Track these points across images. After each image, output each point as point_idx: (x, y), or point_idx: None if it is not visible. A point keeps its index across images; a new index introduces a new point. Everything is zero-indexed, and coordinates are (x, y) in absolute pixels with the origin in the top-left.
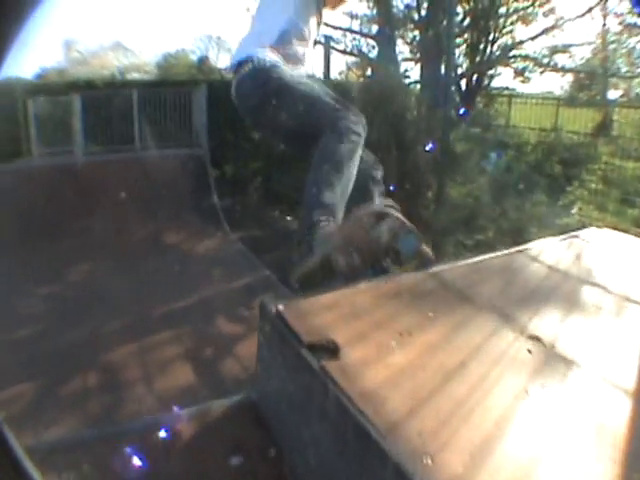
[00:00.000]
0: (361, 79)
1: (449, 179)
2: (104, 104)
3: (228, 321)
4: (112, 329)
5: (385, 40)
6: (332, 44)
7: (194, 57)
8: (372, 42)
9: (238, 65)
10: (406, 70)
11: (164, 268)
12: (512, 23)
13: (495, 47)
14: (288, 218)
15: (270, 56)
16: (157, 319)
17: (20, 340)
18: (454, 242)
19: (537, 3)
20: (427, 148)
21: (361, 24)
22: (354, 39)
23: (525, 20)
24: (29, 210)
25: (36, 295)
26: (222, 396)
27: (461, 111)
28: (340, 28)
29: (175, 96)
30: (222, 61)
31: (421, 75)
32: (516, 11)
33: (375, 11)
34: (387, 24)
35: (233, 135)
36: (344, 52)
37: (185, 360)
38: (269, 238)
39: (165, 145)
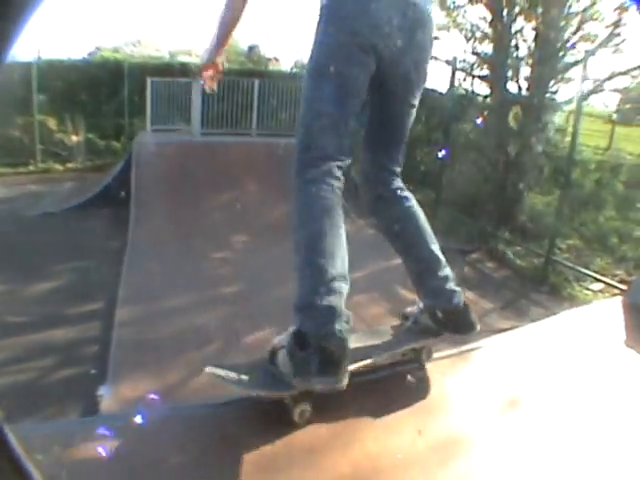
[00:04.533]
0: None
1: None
2: (226, 89)
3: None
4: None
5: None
6: (456, 63)
7: (245, 46)
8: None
9: None
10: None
11: None
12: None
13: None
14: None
15: None
16: None
17: (228, 296)
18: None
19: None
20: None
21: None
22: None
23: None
24: (164, 181)
25: (214, 259)
26: None
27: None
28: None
29: (291, 87)
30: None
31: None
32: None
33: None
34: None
35: None
36: (466, 71)
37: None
38: None
39: (279, 133)
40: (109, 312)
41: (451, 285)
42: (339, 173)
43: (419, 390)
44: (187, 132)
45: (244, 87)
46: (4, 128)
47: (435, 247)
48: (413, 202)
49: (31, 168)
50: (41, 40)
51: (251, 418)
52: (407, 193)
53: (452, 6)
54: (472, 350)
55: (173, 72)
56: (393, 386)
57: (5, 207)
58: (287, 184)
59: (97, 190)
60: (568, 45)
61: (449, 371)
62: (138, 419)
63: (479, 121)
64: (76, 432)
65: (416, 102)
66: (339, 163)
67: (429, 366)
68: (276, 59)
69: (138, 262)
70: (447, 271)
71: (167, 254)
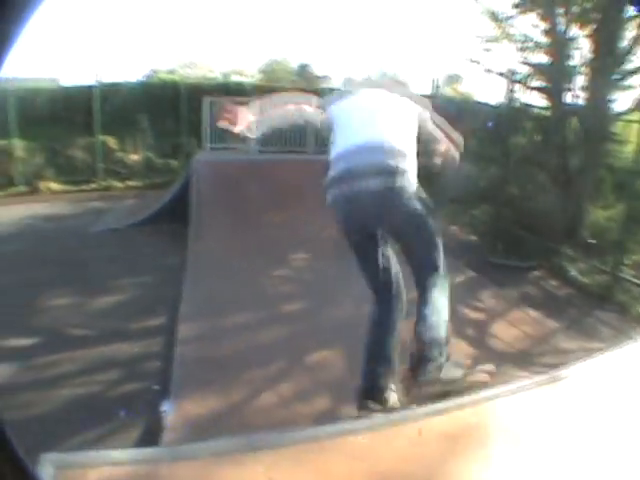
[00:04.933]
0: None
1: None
2: None
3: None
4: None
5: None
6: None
7: (295, 65)
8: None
9: None
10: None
11: None
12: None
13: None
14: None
15: None
16: None
17: (290, 314)
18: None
19: None
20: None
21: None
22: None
23: None
24: (222, 199)
25: (273, 276)
26: None
27: None
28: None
29: None
30: (322, 70)
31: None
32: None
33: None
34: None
35: None
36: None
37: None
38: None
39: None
40: (171, 328)
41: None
42: None
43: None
44: (244, 150)
45: None
46: (68, 148)
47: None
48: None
49: (93, 186)
50: (100, 64)
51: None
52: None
53: (502, 17)
54: (557, 379)
55: (228, 91)
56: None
57: (70, 223)
58: None
59: (157, 207)
60: (628, 51)
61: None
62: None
63: (536, 134)
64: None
65: (411, 219)
66: None
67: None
68: (327, 77)
69: (198, 279)
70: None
71: (227, 271)
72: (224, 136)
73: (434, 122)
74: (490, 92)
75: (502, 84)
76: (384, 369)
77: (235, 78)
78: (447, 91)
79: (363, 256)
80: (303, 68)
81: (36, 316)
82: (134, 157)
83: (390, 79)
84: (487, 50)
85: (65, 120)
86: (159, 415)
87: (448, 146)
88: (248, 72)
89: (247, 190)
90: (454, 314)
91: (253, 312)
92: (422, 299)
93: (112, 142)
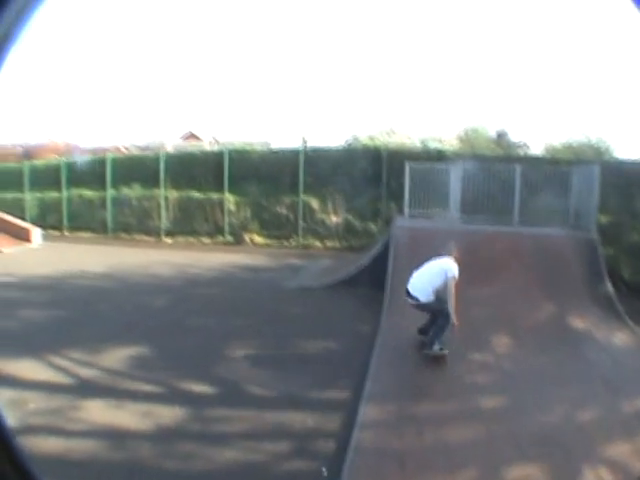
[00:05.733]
0: None
1: None
2: (483, 174)
3: None
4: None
5: None
6: None
7: (492, 131)
8: None
9: None
10: None
11: (577, 355)
12: None
13: None
14: None
15: None
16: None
17: (487, 410)
18: None
19: None
20: None
21: None
22: None
23: None
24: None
25: (470, 361)
26: None
27: None
28: None
29: (552, 174)
30: (520, 136)
31: None
32: None
33: None
34: None
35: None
36: None
37: None
38: None
39: (540, 223)
40: (353, 405)
41: None
42: None
43: None
44: (444, 218)
45: (503, 173)
46: (274, 205)
47: None
48: None
49: (293, 242)
50: (306, 130)
51: None
52: None
53: None
54: None
55: (429, 158)
56: None
57: (267, 276)
58: (555, 282)
59: (353, 270)
60: None
61: None
62: None
63: None
64: None
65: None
66: None
67: None
68: (524, 144)
69: (389, 354)
70: None
71: (419, 349)
72: (425, 202)
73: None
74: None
75: None
76: None
77: (433, 145)
78: None
79: None
80: (501, 136)
81: (220, 364)
82: (334, 218)
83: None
84: None
85: (272, 180)
86: None
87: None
88: (446, 139)
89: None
90: None
91: (444, 402)
92: None
93: (314, 202)
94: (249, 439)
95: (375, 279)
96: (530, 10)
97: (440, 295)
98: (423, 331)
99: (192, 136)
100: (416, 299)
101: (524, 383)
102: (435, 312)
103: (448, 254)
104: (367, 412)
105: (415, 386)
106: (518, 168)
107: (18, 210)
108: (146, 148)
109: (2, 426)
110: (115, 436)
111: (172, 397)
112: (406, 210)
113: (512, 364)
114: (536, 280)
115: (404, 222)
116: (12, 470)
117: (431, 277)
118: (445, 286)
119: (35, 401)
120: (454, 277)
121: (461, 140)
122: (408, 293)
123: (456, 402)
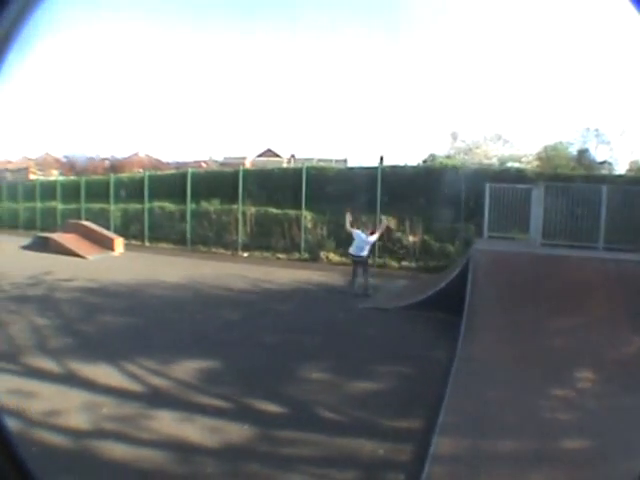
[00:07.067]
0: None
1: None
2: (565, 195)
3: None
4: None
5: None
6: None
7: (573, 149)
8: None
9: None
10: None
11: None
12: None
13: None
14: None
15: None
16: None
17: (570, 453)
18: None
19: None
20: None
21: None
22: None
23: None
24: (502, 293)
25: (550, 397)
26: None
27: None
28: None
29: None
30: (600, 154)
31: None
32: None
33: None
34: None
35: None
36: None
37: None
38: None
39: (628, 248)
40: (425, 436)
41: None
42: None
43: None
44: (525, 241)
45: (587, 194)
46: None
47: None
48: None
49: (369, 261)
50: (384, 148)
51: None
52: None
53: None
54: None
55: (508, 178)
56: None
57: (341, 295)
58: None
59: (430, 292)
60: None
61: None
62: None
63: None
64: None
65: None
66: None
67: None
68: (607, 162)
69: (466, 384)
70: None
71: (498, 379)
72: (505, 224)
73: None
74: None
75: None
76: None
77: (511, 164)
78: None
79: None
80: (582, 154)
81: (291, 384)
82: (411, 238)
83: None
84: None
85: (349, 197)
86: None
87: None
88: (525, 159)
89: (527, 287)
90: None
91: (522, 441)
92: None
93: (392, 222)
94: (317, 465)
95: (452, 303)
96: None
97: None
98: None
99: (270, 152)
100: None
101: (609, 425)
102: None
103: None
104: (440, 445)
105: (490, 420)
106: (604, 189)
107: (103, 220)
108: (225, 164)
109: (2, 426)
110: (182, 449)
111: (241, 414)
112: (485, 232)
113: (595, 402)
114: (623, 311)
115: (484, 245)
116: (12, 470)
117: None
118: None
119: (108, 406)
120: None
121: (541, 159)
122: None
123: (535, 441)
